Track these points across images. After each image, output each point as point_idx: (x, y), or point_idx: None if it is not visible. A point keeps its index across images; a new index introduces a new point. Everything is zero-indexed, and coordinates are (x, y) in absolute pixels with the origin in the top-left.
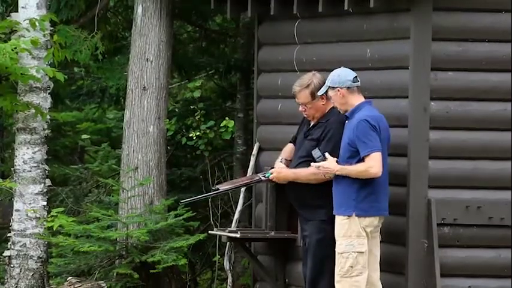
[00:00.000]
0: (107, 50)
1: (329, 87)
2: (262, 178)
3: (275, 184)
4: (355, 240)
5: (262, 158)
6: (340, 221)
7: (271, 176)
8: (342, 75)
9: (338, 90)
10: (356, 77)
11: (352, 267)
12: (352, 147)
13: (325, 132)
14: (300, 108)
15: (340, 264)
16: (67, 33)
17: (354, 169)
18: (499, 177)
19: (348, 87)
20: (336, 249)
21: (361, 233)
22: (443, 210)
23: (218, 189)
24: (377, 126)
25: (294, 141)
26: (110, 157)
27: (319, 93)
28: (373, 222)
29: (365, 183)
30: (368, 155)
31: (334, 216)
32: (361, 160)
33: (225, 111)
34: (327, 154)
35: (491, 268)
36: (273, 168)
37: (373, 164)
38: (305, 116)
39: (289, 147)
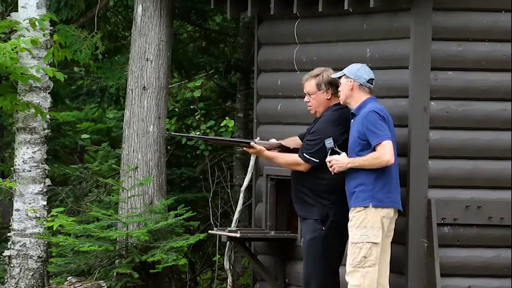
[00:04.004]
0: (107, 49)
1: (344, 74)
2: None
3: (275, 184)
4: (370, 231)
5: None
6: (355, 213)
7: (250, 150)
8: (361, 70)
9: (351, 81)
10: (372, 80)
11: (365, 257)
12: (362, 139)
13: (313, 124)
14: (305, 99)
15: (354, 255)
16: (67, 32)
17: (367, 159)
18: (499, 177)
19: (360, 84)
20: (350, 239)
21: (377, 224)
22: (443, 210)
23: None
24: (386, 118)
25: (301, 138)
26: (109, 157)
27: (334, 75)
28: (389, 214)
29: (380, 175)
30: (379, 143)
31: (327, 215)
32: (373, 151)
33: (225, 111)
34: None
35: (491, 268)
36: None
37: (385, 151)
38: (308, 108)
39: (292, 138)
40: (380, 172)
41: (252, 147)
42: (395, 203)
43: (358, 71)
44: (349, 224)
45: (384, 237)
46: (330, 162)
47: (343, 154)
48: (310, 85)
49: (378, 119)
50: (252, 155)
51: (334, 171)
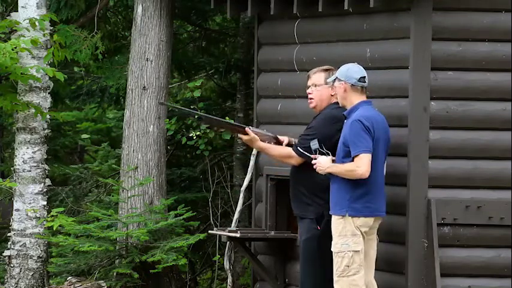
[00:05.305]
0: (107, 49)
1: (337, 77)
2: (247, 129)
3: (275, 184)
4: (350, 239)
5: (262, 157)
6: (335, 221)
7: (244, 137)
8: (351, 70)
9: (342, 83)
10: (364, 77)
11: (348, 266)
12: (346, 146)
13: (311, 121)
14: (308, 91)
15: (337, 264)
16: (67, 32)
17: (343, 168)
18: (499, 177)
19: (352, 85)
20: (332, 249)
21: (356, 232)
22: (443, 210)
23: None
24: (370, 127)
25: None
26: (109, 157)
27: (328, 80)
28: (367, 223)
29: (359, 184)
30: (357, 155)
31: (323, 215)
32: (352, 160)
33: (225, 111)
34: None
35: (491, 268)
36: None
37: (360, 165)
38: (309, 100)
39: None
40: (359, 181)
41: (246, 133)
42: (377, 211)
43: (347, 72)
44: (332, 232)
45: (365, 241)
46: (315, 164)
47: (329, 158)
48: (319, 77)
49: (360, 130)
50: (252, 155)
51: (319, 172)
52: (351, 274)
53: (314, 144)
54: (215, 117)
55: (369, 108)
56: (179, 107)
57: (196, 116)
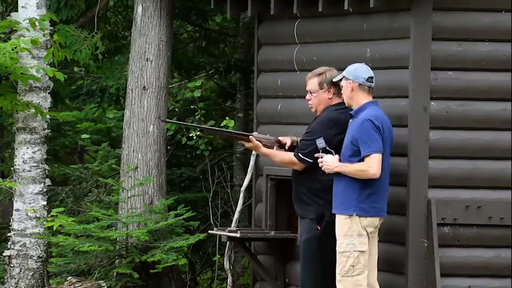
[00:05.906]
0: (107, 49)
1: (344, 76)
2: (250, 137)
3: (275, 184)
4: (356, 239)
5: (262, 157)
6: (341, 220)
7: (247, 144)
8: (359, 70)
9: (350, 82)
10: (372, 78)
11: (353, 266)
12: (355, 145)
13: (310, 124)
14: (307, 97)
15: (342, 264)
16: (67, 32)
17: (353, 168)
18: (499, 177)
19: (360, 84)
20: (337, 248)
21: (362, 232)
22: (443, 210)
23: (206, 129)
24: (380, 127)
25: None
26: (109, 157)
27: (335, 79)
28: (373, 223)
29: (367, 183)
30: (368, 155)
31: (323, 215)
32: (362, 160)
33: (225, 111)
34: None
35: (491, 268)
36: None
37: (372, 165)
38: (309, 105)
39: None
40: (366, 181)
41: (249, 141)
42: (381, 211)
43: (355, 71)
44: (336, 232)
45: (369, 241)
46: (321, 162)
47: (335, 157)
48: (312, 83)
49: (371, 129)
50: (252, 155)
51: (325, 171)
52: (355, 274)
53: (320, 143)
54: (218, 129)
55: (376, 108)
56: (182, 123)
57: (198, 129)
